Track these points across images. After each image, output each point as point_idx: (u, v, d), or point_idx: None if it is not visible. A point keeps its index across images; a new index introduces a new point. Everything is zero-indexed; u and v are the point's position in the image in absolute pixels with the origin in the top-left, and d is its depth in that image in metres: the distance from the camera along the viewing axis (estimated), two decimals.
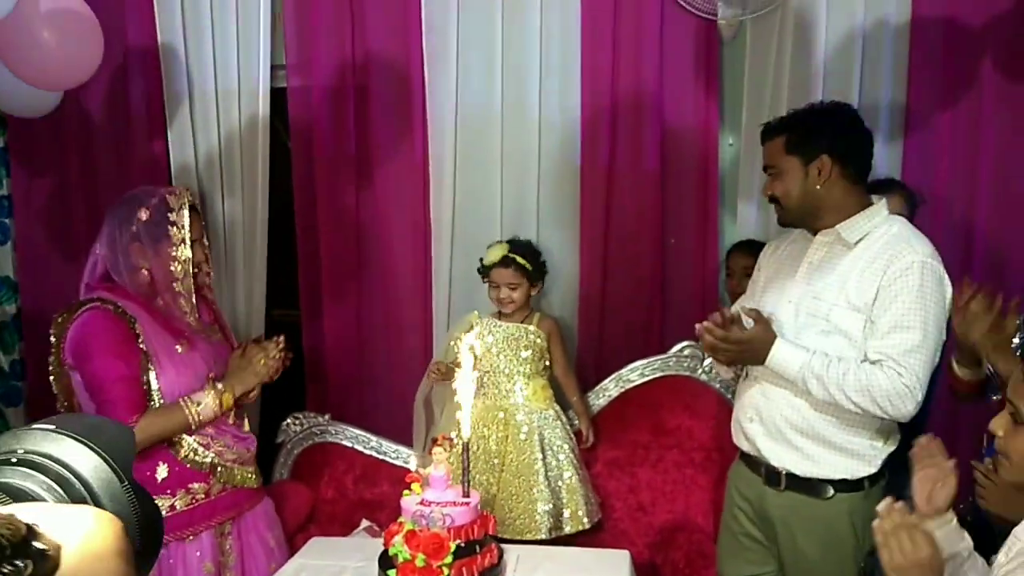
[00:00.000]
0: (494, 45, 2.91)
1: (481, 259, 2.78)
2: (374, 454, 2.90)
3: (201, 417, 2.04)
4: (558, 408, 2.75)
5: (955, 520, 1.49)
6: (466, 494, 1.90)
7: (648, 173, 2.94)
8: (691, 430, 2.78)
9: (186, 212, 2.04)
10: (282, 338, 2.24)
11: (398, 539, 1.83)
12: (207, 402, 2.05)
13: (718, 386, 2.79)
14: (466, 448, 1.91)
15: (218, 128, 3.06)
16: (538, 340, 2.72)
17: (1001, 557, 1.38)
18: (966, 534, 1.50)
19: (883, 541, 1.38)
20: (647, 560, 2.68)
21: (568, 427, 2.75)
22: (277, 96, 3.10)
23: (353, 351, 3.14)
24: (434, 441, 1.95)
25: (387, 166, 3.05)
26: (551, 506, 2.60)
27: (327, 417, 2.95)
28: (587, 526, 2.65)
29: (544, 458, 2.64)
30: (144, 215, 2.02)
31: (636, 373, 2.85)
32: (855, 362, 1.83)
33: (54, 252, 3.21)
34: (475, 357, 1.99)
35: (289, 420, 2.95)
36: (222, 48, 3.02)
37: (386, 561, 1.86)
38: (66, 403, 2.11)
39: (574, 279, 3.02)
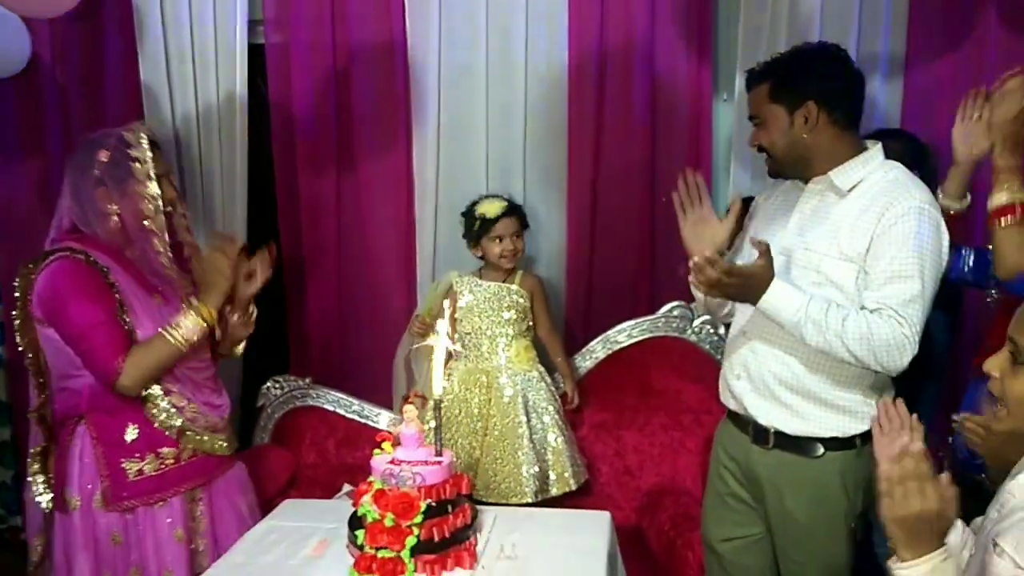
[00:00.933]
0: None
1: (479, 215, 2.64)
2: (356, 418, 2.84)
3: (185, 336, 1.94)
4: (542, 369, 2.67)
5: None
6: (438, 453, 1.82)
7: (638, 128, 2.84)
8: (679, 392, 2.71)
9: (146, 146, 1.94)
10: (238, 243, 2.13)
11: (367, 499, 1.75)
12: (186, 322, 1.95)
13: (708, 347, 2.72)
14: (438, 406, 1.82)
15: (195, 87, 2.96)
16: (520, 299, 2.64)
17: (993, 513, 1.30)
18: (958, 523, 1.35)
19: (887, 489, 1.25)
20: (633, 524, 2.62)
21: (553, 388, 2.68)
22: (259, 53, 3.00)
23: (336, 313, 3.07)
24: (405, 399, 1.87)
25: (368, 124, 2.95)
26: (537, 469, 2.54)
27: (308, 380, 2.89)
28: (573, 487, 2.59)
29: (528, 420, 2.58)
30: (104, 156, 1.92)
31: (624, 334, 2.77)
32: (854, 309, 1.74)
33: (31, 216, 3.12)
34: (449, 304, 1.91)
35: (269, 383, 2.89)
36: (198, 2, 2.91)
37: (356, 522, 1.79)
38: (31, 357, 2.04)
39: (561, 238, 2.94)
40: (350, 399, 2.85)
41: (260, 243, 3.13)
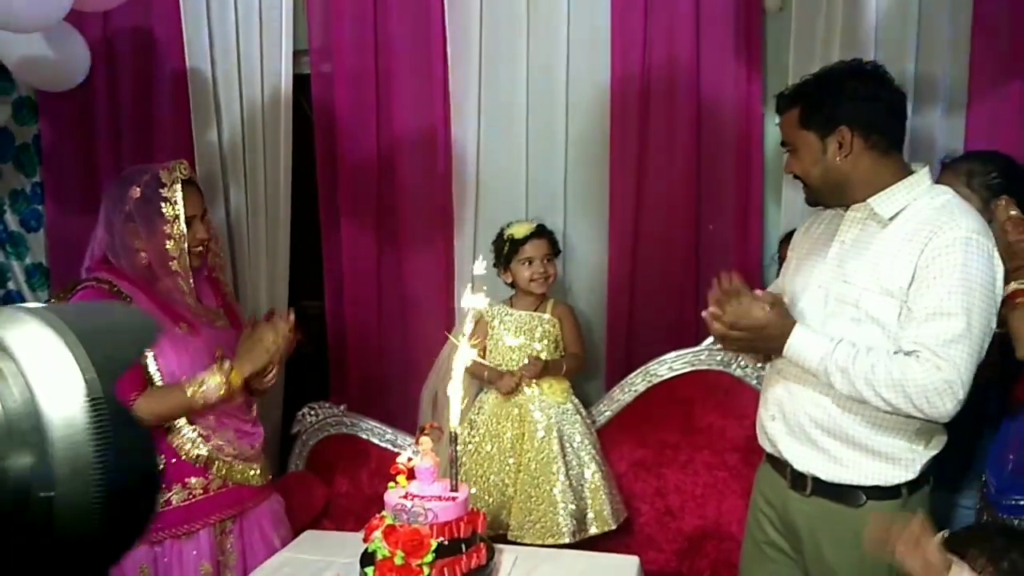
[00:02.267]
0: (519, 19, 2.78)
1: (508, 237, 2.59)
2: (389, 447, 2.78)
3: (205, 397, 1.91)
4: (577, 402, 2.58)
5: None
6: (454, 488, 1.75)
7: (683, 154, 2.75)
8: (724, 429, 2.57)
9: (179, 187, 1.95)
10: (291, 315, 2.12)
11: (377, 534, 1.70)
12: (211, 381, 1.92)
13: (754, 382, 2.57)
14: (454, 438, 1.76)
15: (241, 114, 3.00)
16: (552, 328, 2.56)
17: None
18: None
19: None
20: (674, 569, 2.50)
21: (589, 422, 2.58)
22: (306, 81, 3.04)
23: (376, 342, 3.05)
24: (421, 430, 1.81)
25: (409, 152, 2.94)
26: (574, 507, 2.44)
27: (343, 408, 2.86)
28: (613, 526, 2.48)
29: (564, 456, 2.48)
30: (136, 193, 1.94)
31: (665, 367, 2.65)
32: (887, 353, 1.60)
33: (84, 239, 3.19)
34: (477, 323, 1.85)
35: (304, 410, 2.87)
36: (245, 33, 2.96)
37: (367, 558, 1.74)
38: None
39: (603, 269, 2.85)
40: (383, 427, 2.81)
41: (305, 266, 3.20)
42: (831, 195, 1.75)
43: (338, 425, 2.84)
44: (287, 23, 2.93)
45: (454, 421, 1.77)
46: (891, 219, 1.67)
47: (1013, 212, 1.75)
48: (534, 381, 2.52)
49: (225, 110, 3.01)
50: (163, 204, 1.94)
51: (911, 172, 1.70)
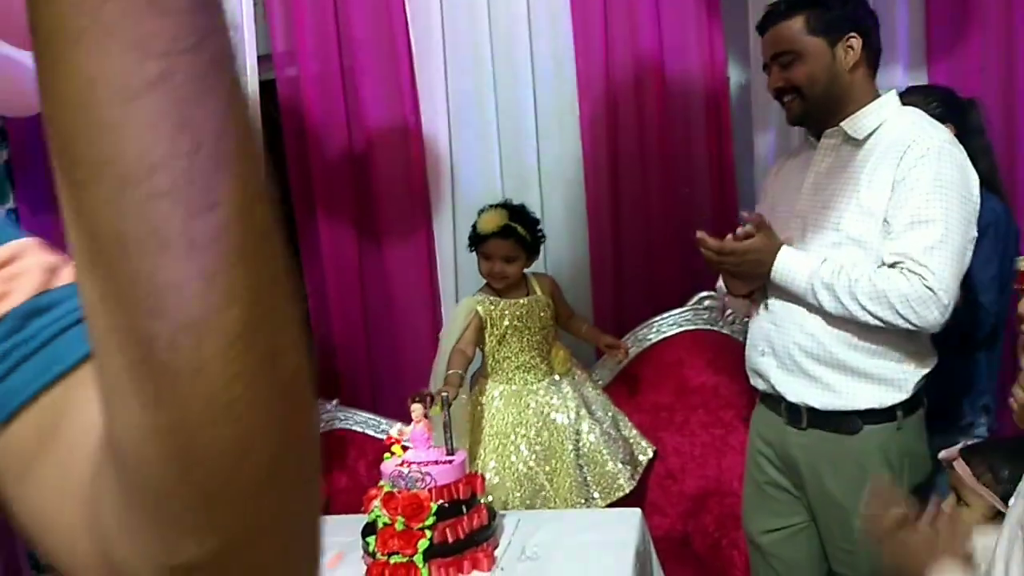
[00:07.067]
0: (480, 4, 2.79)
1: (474, 225, 2.48)
2: (385, 438, 2.76)
3: None
4: (575, 361, 2.56)
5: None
6: (450, 452, 1.75)
7: (652, 120, 2.77)
8: (716, 387, 2.57)
9: None
10: None
11: (376, 503, 1.69)
12: None
13: (743, 338, 2.55)
14: (446, 402, 1.75)
15: None
16: (550, 308, 2.49)
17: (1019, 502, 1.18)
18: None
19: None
20: (680, 531, 2.48)
21: (595, 379, 2.59)
22: (271, 87, 3.03)
23: (361, 334, 3.03)
24: (412, 399, 1.80)
25: (381, 145, 2.92)
26: (622, 454, 2.42)
27: (335, 403, 2.84)
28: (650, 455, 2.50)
29: (592, 415, 2.44)
30: None
31: (652, 330, 2.65)
32: (871, 267, 1.62)
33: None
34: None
35: None
36: None
37: (368, 529, 1.72)
38: None
39: (583, 240, 2.85)
40: (378, 419, 2.79)
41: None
42: (824, 109, 1.73)
43: (331, 420, 2.81)
44: (249, 29, 2.92)
45: (438, 383, 1.76)
46: (865, 139, 1.68)
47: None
48: (543, 363, 2.45)
49: None
50: None
51: (879, 95, 1.72)
